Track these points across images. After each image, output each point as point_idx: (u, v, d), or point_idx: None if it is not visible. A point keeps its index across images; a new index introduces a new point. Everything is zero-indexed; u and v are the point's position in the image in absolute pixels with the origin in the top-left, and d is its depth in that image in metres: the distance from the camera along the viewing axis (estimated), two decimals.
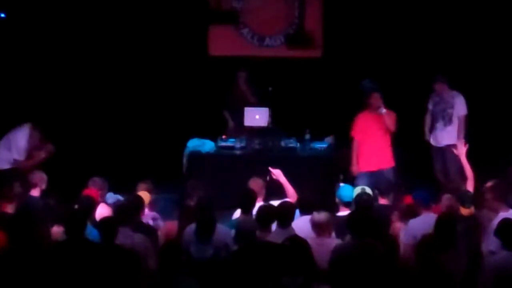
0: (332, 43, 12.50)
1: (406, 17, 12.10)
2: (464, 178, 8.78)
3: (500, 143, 11.19)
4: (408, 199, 8.25)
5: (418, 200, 7.88)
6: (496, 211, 7.53)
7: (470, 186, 8.33)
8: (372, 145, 10.37)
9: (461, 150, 8.73)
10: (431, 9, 12.05)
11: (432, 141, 10.81)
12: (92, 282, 6.29)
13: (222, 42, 12.76)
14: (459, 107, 10.60)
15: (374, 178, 9.89)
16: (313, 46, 12.62)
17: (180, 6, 12.43)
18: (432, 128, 10.79)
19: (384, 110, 10.25)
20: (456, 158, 9.51)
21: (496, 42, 11.86)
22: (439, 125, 10.71)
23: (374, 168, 10.29)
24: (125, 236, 6.88)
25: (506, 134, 11.37)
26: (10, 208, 7.83)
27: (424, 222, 7.38)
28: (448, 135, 10.62)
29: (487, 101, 11.71)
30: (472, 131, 10.52)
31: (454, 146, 10.25)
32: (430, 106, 10.84)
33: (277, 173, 9.11)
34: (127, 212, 7.38)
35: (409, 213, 7.90)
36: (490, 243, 7.06)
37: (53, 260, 6.40)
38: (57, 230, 7.29)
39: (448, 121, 10.63)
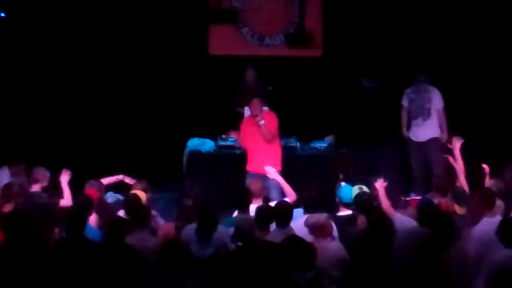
0: (332, 42, 12.50)
1: (406, 16, 12.09)
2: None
3: (500, 143, 11.18)
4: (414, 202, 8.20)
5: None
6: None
7: (462, 180, 8.29)
8: (258, 151, 9.97)
9: (456, 145, 8.69)
10: (431, 8, 12.04)
11: (411, 137, 10.87)
12: (91, 282, 6.29)
13: (222, 41, 12.75)
14: (437, 101, 10.74)
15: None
16: (313, 45, 12.61)
17: (180, 5, 12.43)
18: (410, 125, 10.87)
19: (262, 122, 9.86)
20: (438, 152, 9.52)
21: (498, 42, 11.85)
22: (418, 121, 10.81)
23: (262, 171, 9.63)
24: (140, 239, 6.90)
25: (506, 133, 11.37)
26: (8, 208, 7.82)
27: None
28: (429, 129, 10.73)
29: (486, 101, 11.73)
30: (471, 131, 10.51)
31: (436, 139, 10.35)
32: (405, 103, 10.90)
33: (272, 172, 9.08)
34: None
35: None
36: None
37: (52, 259, 6.40)
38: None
39: (427, 115, 10.74)
